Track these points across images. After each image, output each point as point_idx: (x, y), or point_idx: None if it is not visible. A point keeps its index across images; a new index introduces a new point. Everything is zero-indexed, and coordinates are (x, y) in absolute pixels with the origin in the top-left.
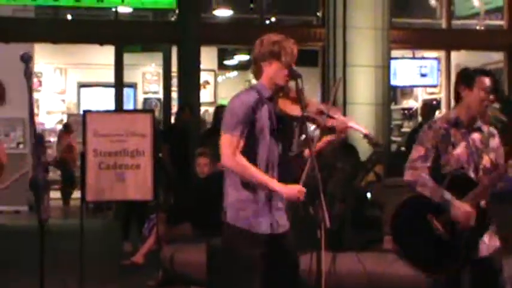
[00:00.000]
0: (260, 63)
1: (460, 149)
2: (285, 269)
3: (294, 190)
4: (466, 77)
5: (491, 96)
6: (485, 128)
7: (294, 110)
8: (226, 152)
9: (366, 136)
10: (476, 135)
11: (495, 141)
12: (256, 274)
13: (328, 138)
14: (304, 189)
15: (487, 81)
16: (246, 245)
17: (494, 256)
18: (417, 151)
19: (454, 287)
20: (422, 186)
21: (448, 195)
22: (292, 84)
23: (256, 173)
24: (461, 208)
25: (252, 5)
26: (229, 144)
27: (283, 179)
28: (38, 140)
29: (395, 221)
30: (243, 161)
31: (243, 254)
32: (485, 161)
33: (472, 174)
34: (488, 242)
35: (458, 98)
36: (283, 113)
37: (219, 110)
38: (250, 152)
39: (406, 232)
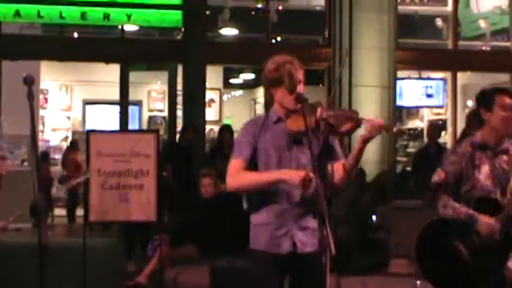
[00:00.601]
0: (269, 90)
1: (485, 173)
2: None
3: (297, 175)
4: (484, 99)
5: None
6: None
7: (300, 127)
8: (229, 175)
9: (386, 129)
10: (502, 157)
11: None
12: None
13: (362, 137)
14: (302, 174)
15: (506, 99)
16: (266, 266)
17: None
18: (438, 175)
19: None
20: (444, 209)
21: (471, 211)
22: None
23: (259, 176)
24: (486, 221)
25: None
26: (231, 168)
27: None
28: (43, 157)
29: (419, 244)
30: (243, 173)
31: (262, 275)
32: None
33: (499, 197)
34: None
35: (480, 122)
36: (291, 131)
37: (223, 129)
38: (264, 168)
39: (430, 256)
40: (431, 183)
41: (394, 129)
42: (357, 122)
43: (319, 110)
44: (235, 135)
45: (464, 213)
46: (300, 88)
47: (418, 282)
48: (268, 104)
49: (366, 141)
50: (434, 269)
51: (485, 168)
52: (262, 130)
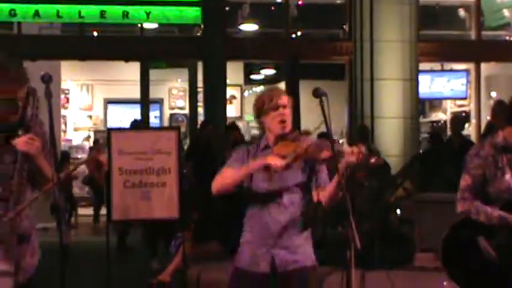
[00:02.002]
0: (260, 122)
1: (509, 175)
2: None
3: (266, 158)
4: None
5: None
6: None
7: (286, 151)
8: (215, 181)
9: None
10: None
11: None
12: None
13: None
14: (281, 161)
15: None
16: (246, 285)
17: None
18: (465, 180)
19: None
20: (477, 215)
21: (502, 212)
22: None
23: (236, 171)
24: None
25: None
26: (221, 174)
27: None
28: (63, 157)
29: (446, 243)
30: (224, 176)
31: None
32: None
33: None
34: None
35: (510, 119)
36: (279, 156)
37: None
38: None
39: (457, 257)
40: (460, 189)
41: (372, 160)
42: (336, 152)
43: (302, 140)
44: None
45: (496, 217)
46: (285, 111)
47: (445, 283)
48: (261, 135)
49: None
50: (462, 270)
51: (509, 172)
52: (253, 155)
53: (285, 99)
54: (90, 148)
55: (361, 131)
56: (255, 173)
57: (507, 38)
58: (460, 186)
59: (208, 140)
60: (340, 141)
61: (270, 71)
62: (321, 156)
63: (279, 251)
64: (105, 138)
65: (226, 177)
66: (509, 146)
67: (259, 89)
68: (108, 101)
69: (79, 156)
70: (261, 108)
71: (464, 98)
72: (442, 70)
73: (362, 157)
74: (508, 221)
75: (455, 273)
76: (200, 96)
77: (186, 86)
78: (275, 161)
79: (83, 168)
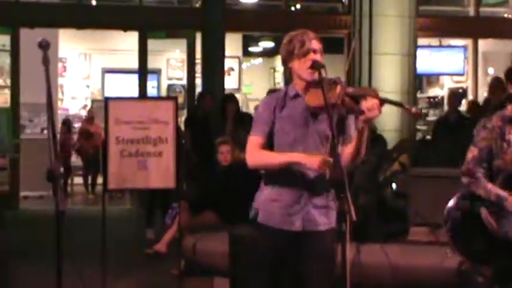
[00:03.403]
0: (287, 65)
1: None
2: (316, 266)
3: (315, 159)
4: (510, 74)
5: None
6: None
7: (319, 102)
8: (248, 153)
9: (405, 109)
10: None
11: None
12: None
13: (361, 118)
14: (329, 160)
15: None
16: (274, 242)
17: None
18: (471, 152)
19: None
20: (476, 188)
21: (500, 192)
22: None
23: (277, 156)
24: None
25: None
26: (250, 145)
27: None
28: (66, 125)
29: (450, 213)
30: (261, 153)
31: (263, 251)
32: None
33: None
34: None
35: (510, 97)
36: (309, 107)
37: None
38: (278, 148)
39: (460, 225)
40: (466, 161)
41: (413, 110)
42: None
43: (338, 86)
44: (254, 104)
45: (494, 195)
46: (316, 57)
47: (448, 251)
48: (288, 81)
49: (367, 120)
50: (464, 240)
51: None
52: (280, 105)
53: (316, 43)
54: (85, 119)
55: None
56: (283, 132)
57: (505, 15)
58: (466, 158)
59: (206, 111)
60: None
61: (269, 43)
62: (359, 107)
63: (310, 210)
64: (102, 107)
65: (261, 158)
66: None
67: (258, 61)
68: (106, 71)
69: (75, 125)
70: (291, 54)
71: (462, 74)
72: (440, 46)
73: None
74: (503, 202)
75: (460, 243)
76: (198, 68)
77: (184, 56)
78: (322, 167)
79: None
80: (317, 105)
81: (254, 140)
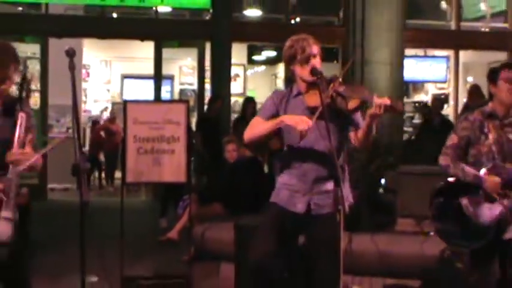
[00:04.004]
0: (289, 67)
1: (491, 140)
2: (320, 247)
3: (299, 118)
4: (491, 75)
5: None
6: None
7: (316, 102)
8: (247, 130)
9: (390, 107)
10: (510, 128)
11: None
12: (273, 229)
13: (369, 113)
14: (309, 121)
15: (509, 72)
16: (275, 213)
17: None
18: (451, 139)
19: (487, 263)
20: (455, 169)
21: (477, 172)
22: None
23: (267, 124)
24: (490, 179)
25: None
26: (252, 123)
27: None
28: (94, 124)
29: (434, 201)
30: (256, 127)
31: (267, 217)
32: None
33: (501, 163)
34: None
35: (491, 96)
36: (309, 106)
37: (247, 101)
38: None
39: (442, 212)
40: (446, 145)
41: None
42: (363, 101)
43: (332, 84)
44: (258, 107)
45: (471, 175)
46: (316, 62)
47: (432, 233)
48: (290, 81)
49: (373, 117)
50: (446, 225)
51: (492, 136)
52: (285, 101)
53: (315, 49)
54: (106, 119)
55: None
56: (289, 131)
57: (483, 28)
58: (446, 143)
59: (217, 113)
60: None
61: (271, 53)
62: (348, 107)
63: (314, 196)
64: (121, 109)
65: (255, 127)
66: (495, 113)
67: (261, 68)
68: (125, 76)
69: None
70: (293, 58)
71: (444, 82)
72: (425, 56)
73: (385, 109)
74: (480, 181)
75: (440, 227)
76: (207, 74)
77: (195, 64)
78: (302, 125)
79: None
80: (314, 106)
81: (256, 119)
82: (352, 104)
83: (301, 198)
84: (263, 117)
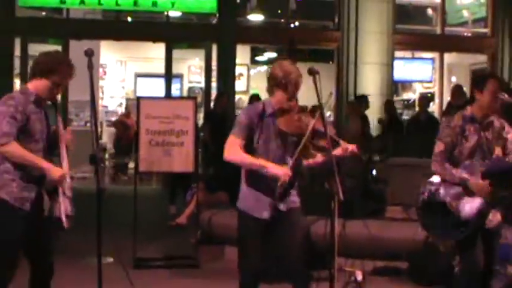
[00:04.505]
0: (274, 86)
1: (472, 142)
2: (286, 238)
3: (283, 170)
4: (478, 81)
5: (503, 95)
6: (497, 123)
7: (289, 128)
8: (227, 149)
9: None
10: (488, 130)
11: (506, 131)
12: (254, 244)
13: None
14: (289, 173)
15: (496, 84)
16: (247, 223)
17: (496, 228)
18: (438, 146)
19: (472, 246)
20: (444, 174)
21: (464, 175)
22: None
23: (252, 160)
24: (476, 182)
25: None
26: (230, 143)
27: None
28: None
29: (420, 202)
30: (240, 154)
31: (244, 228)
32: (497, 151)
33: (479, 162)
34: (492, 218)
35: (472, 98)
36: (281, 130)
37: (253, 97)
38: (253, 151)
39: (428, 210)
40: (434, 153)
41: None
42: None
43: (308, 119)
44: None
45: (458, 178)
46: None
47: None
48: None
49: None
50: (431, 220)
51: (473, 138)
52: (259, 119)
53: (299, 84)
54: (121, 114)
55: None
56: (259, 143)
57: (465, 33)
58: (434, 151)
59: (223, 108)
60: (328, 113)
61: (272, 54)
62: (319, 144)
63: (276, 204)
64: (134, 104)
65: (236, 153)
66: (474, 117)
67: (263, 68)
68: (138, 75)
69: (112, 119)
70: (283, 85)
71: (430, 81)
72: (413, 58)
73: (349, 154)
74: (466, 182)
75: (425, 222)
76: (214, 73)
77: (202, 64)
78: (284, 177)
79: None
80: (285, 130)
81: (233, 139)
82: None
83: (266, 206)
84: (239, 137)
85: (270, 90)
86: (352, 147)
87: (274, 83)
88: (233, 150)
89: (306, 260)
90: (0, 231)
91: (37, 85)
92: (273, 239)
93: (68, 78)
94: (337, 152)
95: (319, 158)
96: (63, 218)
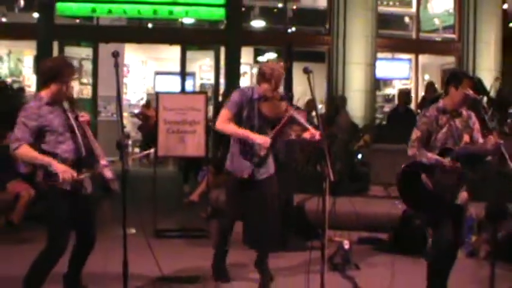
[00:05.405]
0: (261, 79)
1: (445, 130)
2: (262, 203)
3: (264, 139)
4: (455, 78)
5: (468, 91)
6: (465, 113)
7: (269, 113)
8: (219, 120)
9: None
10: (458, 120)
11: (472, 121)
12: (234, 198)
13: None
14: (269, 141)
15: (470, 85)
16: (233, 182)
17: (463, 204)
18: (415, 133)
19: (443, 222)
20: (420, 156)
21: (438, 157)
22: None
23: (239, 131)
24: (448, 162)
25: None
26: (222, 115)
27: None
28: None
29: (401, 176)
30: (230, 124)
31: (230, 184)
32: (466, 138)
33: (453, 147)
34: (461, 195)
35: (446, 92)
36: (263, 114)
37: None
38: (240, 124)
39: (407, 186)
40: (411, 138)
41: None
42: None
43: (287, 107)
44: None
45: (434, 159)
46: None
47: (397, 202)
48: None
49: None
50: (410, 195)
51: (445, 127)
52: (248, 100)
53: (281, 78)
54: (142, 105)
55: (341, 100)
56: (246, 119)
57: (436, 38)
58: (411, 137)
59: None
60: (320, 106)
61: (272, 55)
62: (292, 130)
63: (256, 165)
64: (154, 99)
65: (226, 125)
66: (446, 109)
67: None
68: (157, 73)
69: (135, 111)
70: (270, 79)
71: (408, 79)
72: (393, 58)
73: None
74: (441, 163)
75: (405, 197)
76: (222, 71)
77: (212, 63)
78: (265, 142)
79: (136, 120)
80: (266, 115)
81: (225, 112)
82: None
83: (247, 168)
84: (231, 111)
85: (258, 83)
86: (316, 134)
87: (261, 77)
88: (224, 122)
89: (297, 231)
90: (48, 207)
91: (49, 91)
92: (249, 202)
93: (72, 76)
94: (306, 135)
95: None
96: (111, 179)
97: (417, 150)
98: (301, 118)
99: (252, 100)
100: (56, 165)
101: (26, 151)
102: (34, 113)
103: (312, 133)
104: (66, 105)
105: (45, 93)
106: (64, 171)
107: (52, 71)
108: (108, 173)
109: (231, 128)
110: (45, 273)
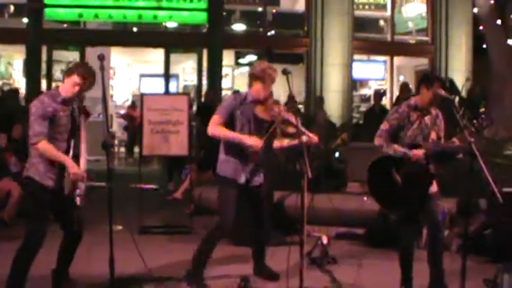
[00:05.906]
0: (253, 79)
1: (415, 126)
2: (256, 208)
3: (256, 141)
4: (428, 80)
5: (440, 91)
6: (433, 111)
7: (263, 115)
8: (211, 126)
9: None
10: (427, 117)
11: (439, 119)
12: (231, 204)
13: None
14: (261, 143)
15: (440, 87)
16: (228, 187)
17: (434, 197)
18: (384, 125)
19: (411, 223)
20: (387, 148)
21: (405, 149)
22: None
23: (231, 134)
24: (416, 152)
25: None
26: (213, 121)
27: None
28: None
29: (370, 172)
30: (221, 129)
31: (225, 192)
32: (433, 135)
33: (422, 143)
34: (432, 187)
35: (418, 90)
36: (257, 116)
37: (235, 93)
38: (233, 128)
39: (376, 180)
40: (380, 129)
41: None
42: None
43: (280, 110)
44: None
45: (400, 151)
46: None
47: (365, 198)
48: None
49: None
50: (378, 189)
51: (416, 123)
52: (241, 104)
53: (274, 77)
54: (128, 107)
55: (319, 100)
56: (239, 122)
57: (410, 40)
58: (380, 128)
59: (211, 102)
60: (300, 106)
61: (253, 57)
62: (287, 131)
63: (251, 172)
64: (138, 100)
65: (219, 129)
66: (417, 106)
67: (245, 69)
68: (142, 75)
69: (121, 112)
70: (262, 79)
71: (383, 80)
72: (368, 60)
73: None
74: (408, 155)
75: (374, 191)
76: (204, 73)
77: (195, 65)
78: (257, 144)
79: (122, 121)
80: (260, 117)
81: (217, 118)
82: (290, 129)
83: (243, 173)
84: (222, 116)
85: (250, 83)
86: (315, 138)
87: (253, 77)
88: (215, 127)
89: (277, 227)
90: (31, 200)
91: (69, 91)
92: (246, 206)
93: (92, 85)
94: (303, 139)
95: (285, 143)
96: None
97: (384, 141)
98: (295, 120)
99: (246, 104)
100: (72, 165)
101: (46, 147)
102: (51, 106)
103: (311, 136)
104: (76, 106)
105: (64, 91)
106: (75, 174)
107: (68, 68)
108: (80, 188)
109: (222, 132)
110: (25, 268)
